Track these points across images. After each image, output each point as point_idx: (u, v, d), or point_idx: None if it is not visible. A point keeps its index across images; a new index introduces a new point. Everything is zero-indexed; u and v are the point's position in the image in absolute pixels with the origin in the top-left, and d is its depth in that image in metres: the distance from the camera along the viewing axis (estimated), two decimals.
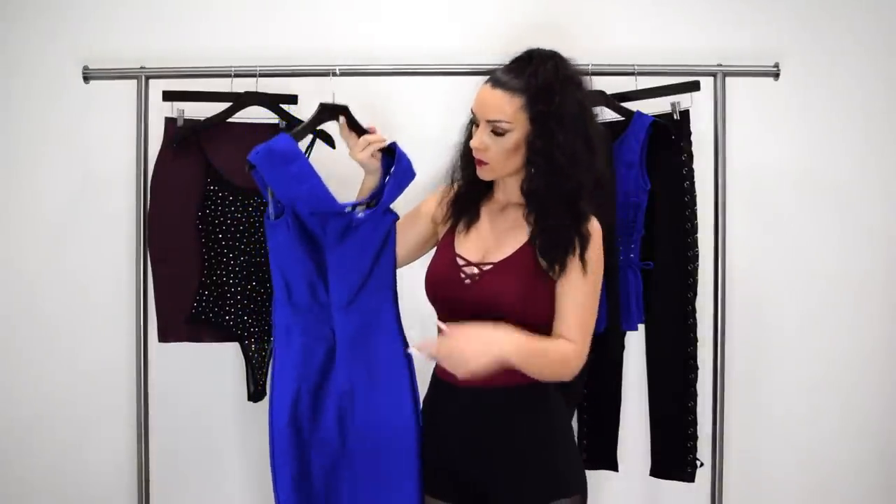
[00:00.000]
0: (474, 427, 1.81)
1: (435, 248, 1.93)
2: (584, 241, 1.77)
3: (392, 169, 1.87)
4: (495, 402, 1.79)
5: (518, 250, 1.80)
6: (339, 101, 2.49)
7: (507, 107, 1.72)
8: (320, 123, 1.97)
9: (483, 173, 1.80)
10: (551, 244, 1.76)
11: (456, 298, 1.79)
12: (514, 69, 1.76)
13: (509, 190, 1.85)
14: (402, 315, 1.98)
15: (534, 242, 1.78)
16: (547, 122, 1.71)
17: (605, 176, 1.80)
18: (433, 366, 1.90)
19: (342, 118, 1.92)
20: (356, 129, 1.91)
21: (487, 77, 1.78)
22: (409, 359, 1.89)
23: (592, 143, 1.76)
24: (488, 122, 1.74)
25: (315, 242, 1.79)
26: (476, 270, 1.80)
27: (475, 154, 1.78)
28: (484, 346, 1.65)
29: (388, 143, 1.90)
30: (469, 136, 1.83)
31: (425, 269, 1.89)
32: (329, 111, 1.93)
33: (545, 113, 1.71)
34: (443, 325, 1.71)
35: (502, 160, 1.76)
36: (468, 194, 1.88)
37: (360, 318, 1.83)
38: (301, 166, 1.76)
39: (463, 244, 1.85)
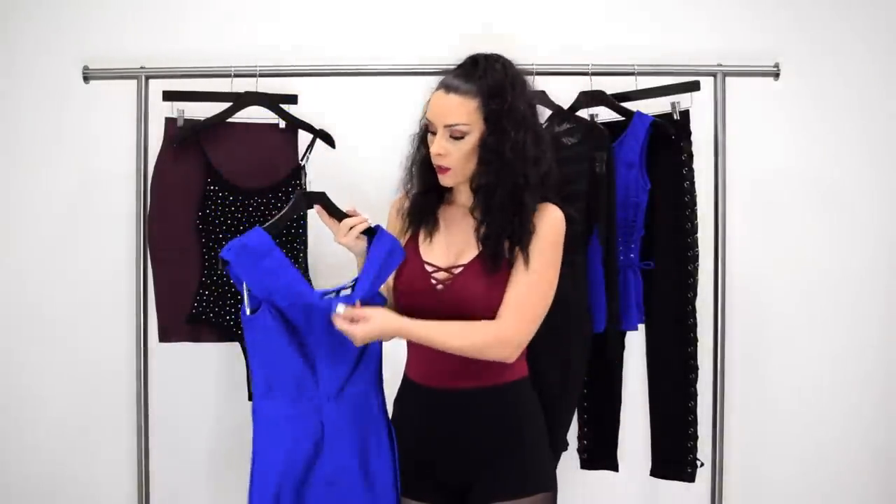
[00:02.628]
0: (447, 427, 1.82)
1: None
2: (527, 232, 1.79)
3: (370, 253, 1.82)
4: (466, 402, 1.81)
5: (481, 252, 1.81)
6: (339, 100, 2.51)
7: (463, 109, 1.74)
8: (297, 212, 1.92)
9: (446, 180, 1.81)
10: (492, 233, 1.78)
11: (429, 304, 1.80)
12: (463, 74, 1.78)
13: (466, 193, 1.86)
14: None
15: (477, 232, 1.80)
16: (500, 120, 1.75)
17: (553, 171, 1.84)
18: (403, 366, 1.92)
19: (317, 206, 1.87)
20: (336, 213, 1.87)
21: (438, 84, 1.79)
22: (391, 433, 1.86)
23: (541, 139, 1.81)
24: (446, 126, 1.76)
25: (299, 334, 1.76)
26: (446, 275, 1.81)
27: (436, 161, 1.79)
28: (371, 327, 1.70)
29: (370, 224, 1.85)
30: (420, 146, 1.85)
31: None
32: (306, 199, 1.89)
33: (498, 111, 1.75)
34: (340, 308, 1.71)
35: (463, 164, 1.78)
36: (424, 203, 1.88)
37: (348, 407, 1.79)
38: (275, 260, 1.71)
39: (428, 251, 1.85)
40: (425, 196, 1.88)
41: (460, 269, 1.80)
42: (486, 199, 1.78)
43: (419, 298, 1.81)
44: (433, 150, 1.78)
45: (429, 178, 1.85)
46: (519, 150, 1.75)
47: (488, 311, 1.77)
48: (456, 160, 1.77)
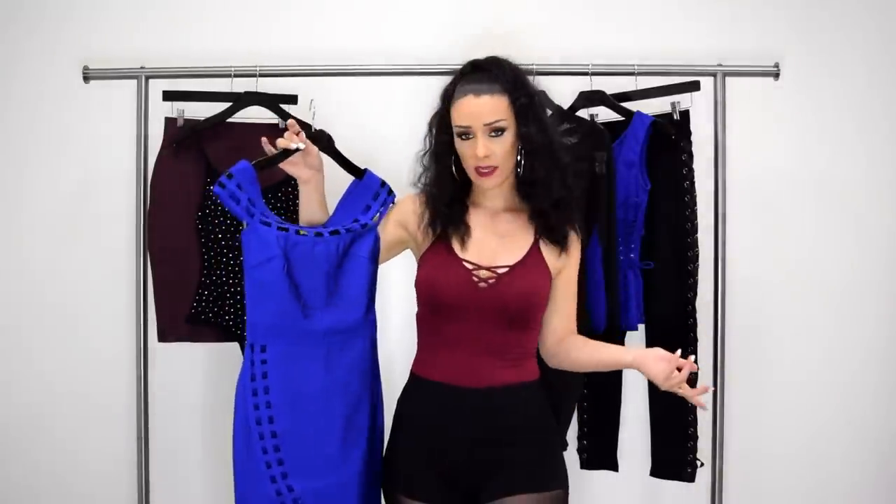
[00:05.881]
0: (462, 426, 1.81)
1: (421, 259, 1.92)
2: (577, 212, 1.94)
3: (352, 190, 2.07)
4: (482, 401, 1.81)
5: (529, 252, 1.85)
6: (339, 100, 2.51)
7: (499, 105, 1.79)
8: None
9: (492, 181, 1.82)
10: (562, 218, 1.87)
11: (470, 302, 1.81)
12: (477, 79, 1.81)
13: (496, 195, 1.89)
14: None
15: (539, 231, 1.87)
16: (530, 111, 1.82)
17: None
18: (410, 362, 1.93)
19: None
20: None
21: (460, 93, 1.80)
22: None
23: (555, 127, 1.91)
24: (486, 125, 1.78)
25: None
26: (489, 274, 1.82)
27: (482, 163, 1.79)
28: None
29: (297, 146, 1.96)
30: (441, 159, 1.87)
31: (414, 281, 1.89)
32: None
33: (527, 104, 1.82)
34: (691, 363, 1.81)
35: (506, 160, 1.82)
36: (451, 213, 1.88)
37: None
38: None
39: (464, 252, 1.86)
40: (451, 206, 1.89)
41: (505, 269, 1.83)
42: (544, 188, 1.84)
43: (459, 295, 1.81)
44: (479, 152, 1.79)
45: (452, 188, 1.88)
46: (555, 138, 1.86)
47: (527, 311, 1.83)
48: (501, 157, 1.81)
